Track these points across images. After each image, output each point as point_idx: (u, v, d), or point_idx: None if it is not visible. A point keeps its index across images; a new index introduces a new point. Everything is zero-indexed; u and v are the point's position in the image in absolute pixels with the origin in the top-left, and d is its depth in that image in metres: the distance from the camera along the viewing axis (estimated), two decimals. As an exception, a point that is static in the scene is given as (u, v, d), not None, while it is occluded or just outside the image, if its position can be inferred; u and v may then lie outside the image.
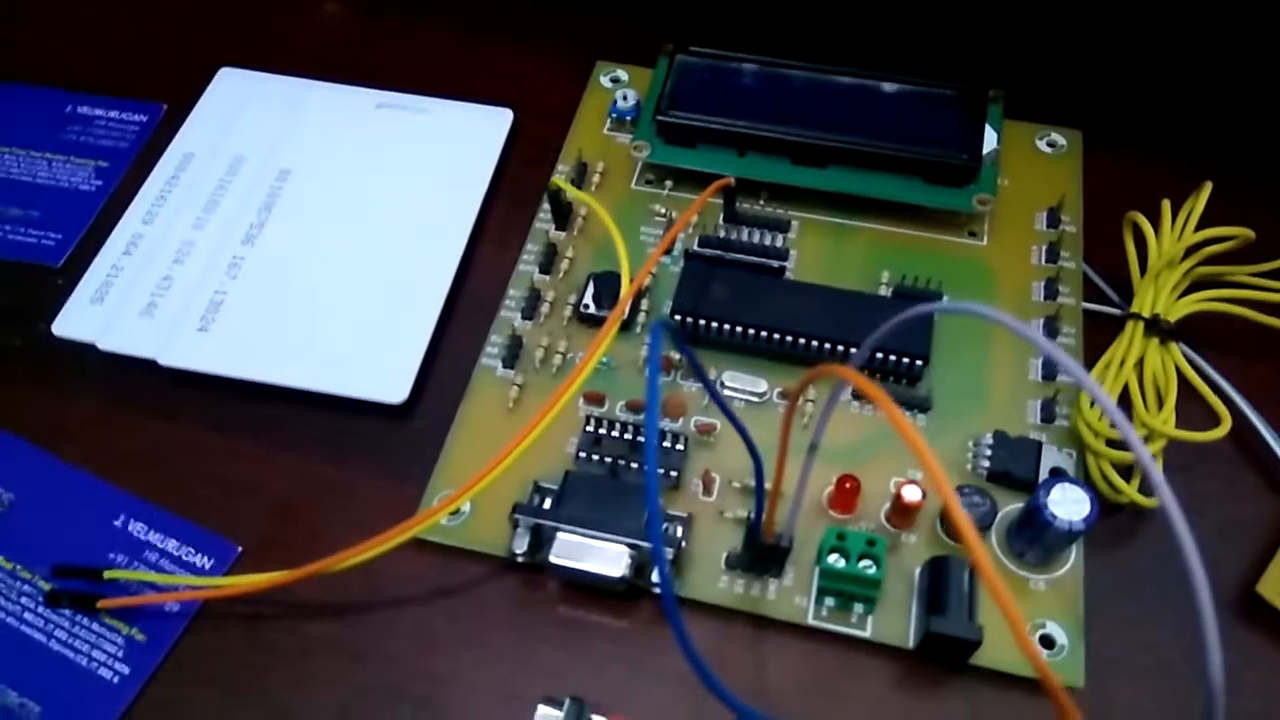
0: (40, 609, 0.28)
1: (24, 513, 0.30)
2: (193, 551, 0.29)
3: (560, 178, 0.34)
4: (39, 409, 0.33)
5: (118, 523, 0.30)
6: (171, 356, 0.32)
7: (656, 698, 0.27)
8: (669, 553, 0.27)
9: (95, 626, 0.28)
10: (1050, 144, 0.37)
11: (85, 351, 0.33)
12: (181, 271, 0.34)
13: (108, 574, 0.28)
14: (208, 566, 0.29)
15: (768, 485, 0.25)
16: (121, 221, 0.36)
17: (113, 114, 0.40)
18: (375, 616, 0.28)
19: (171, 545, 0.30)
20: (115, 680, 0.27)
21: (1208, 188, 0.32)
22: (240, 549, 0.30)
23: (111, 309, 0.34)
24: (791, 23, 0.42)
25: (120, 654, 0.28)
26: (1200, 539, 0.29)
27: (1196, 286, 0.32)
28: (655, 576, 0.27)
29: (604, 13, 0.42)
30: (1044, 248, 0.34)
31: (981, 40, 0.41)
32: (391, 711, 0.27)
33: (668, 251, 0.35)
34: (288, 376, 0.32)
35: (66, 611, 0.28)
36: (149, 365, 0.33)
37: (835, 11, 0.42)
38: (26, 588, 0.29)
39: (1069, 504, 0.26)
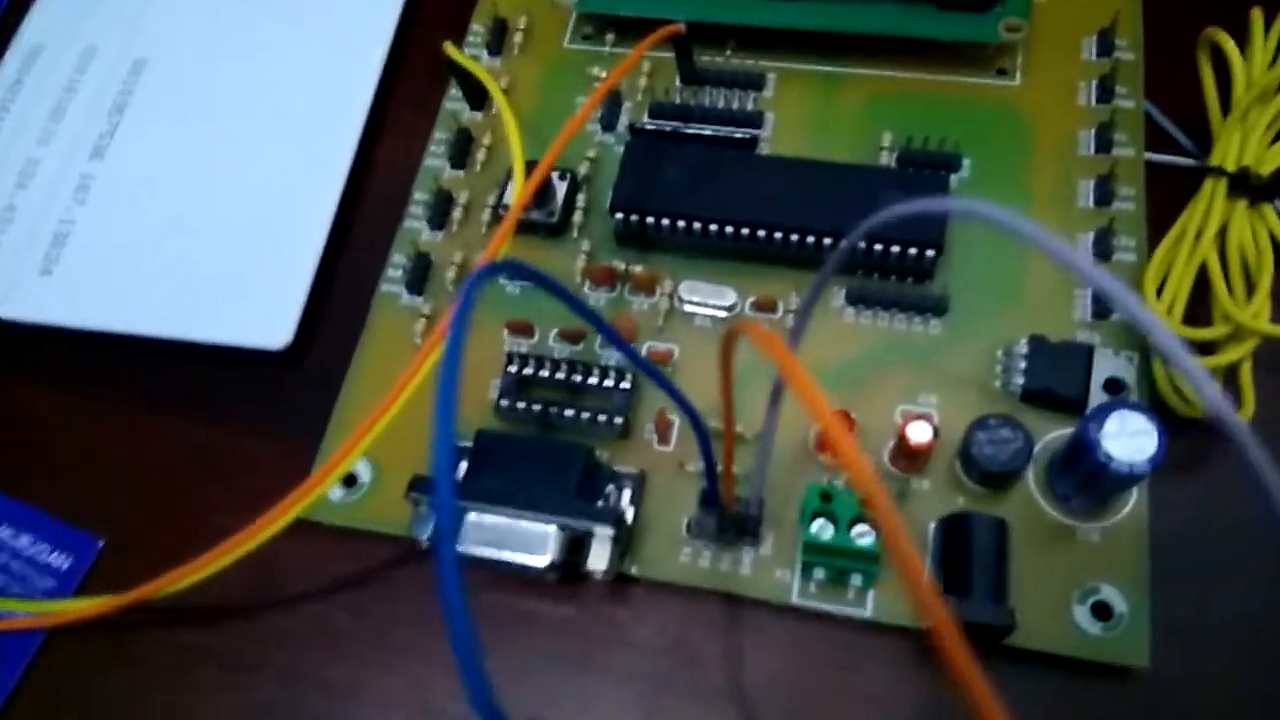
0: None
1: None
2: (47, 549, 0.24)
3: (455, 45, 0.27)
4: None
5: (-42, 518, 0.25)
6: (12, 307, 0.27)
7: (604, 702, 0.22)
8: (608, 531, 0.21)
9: (-63, 647, 0.24)
10: (1100, -57, 0.29)
11: (-82, 306, 0.28)
12: (24, 199, 0.28)
13: (-72, 594, 0.23)
14: (66, 566, 0.24)
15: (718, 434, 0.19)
16: (-44, 142, 0.30)
17: (-55, 7, 0.33)
18: (264, 618, 0.23)
19: (23, 542, 0.25)
20: (-39, 713, 0.23)
21: (1318, -16, 0.23)
22: (102, 542, 0.24)
23: (-54, 252, 0.28)
24: None
25: (-33, 680, 0.23)
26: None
27: None
28: (593, 560, 0.21)
29: None
30: (1094, 84, 0.26)
31: None
32: (286, 736, 0.22)
33: (611, 127, 0.28)
34: (148, 324, 0.26)
35: (-98, 632, 0.24)
36: (-10, 319, 0.27)
37: None
38: None
39: (1128, 437, 0.20)
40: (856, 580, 0.21)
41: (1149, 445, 0.19)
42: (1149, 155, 0.26)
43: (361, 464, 0.24)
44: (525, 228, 0.26)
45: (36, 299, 0.27)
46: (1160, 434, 0.20)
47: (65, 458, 0.26)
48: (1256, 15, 0.24)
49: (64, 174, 0.28)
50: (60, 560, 0.24)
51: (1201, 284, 0.23)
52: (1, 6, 0.33)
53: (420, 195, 0.27)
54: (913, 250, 0.24)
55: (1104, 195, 0.25)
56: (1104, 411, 0.20)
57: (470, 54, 0.29)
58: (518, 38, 0.29)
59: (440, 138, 0.28)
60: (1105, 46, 0.27)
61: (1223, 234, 0.22)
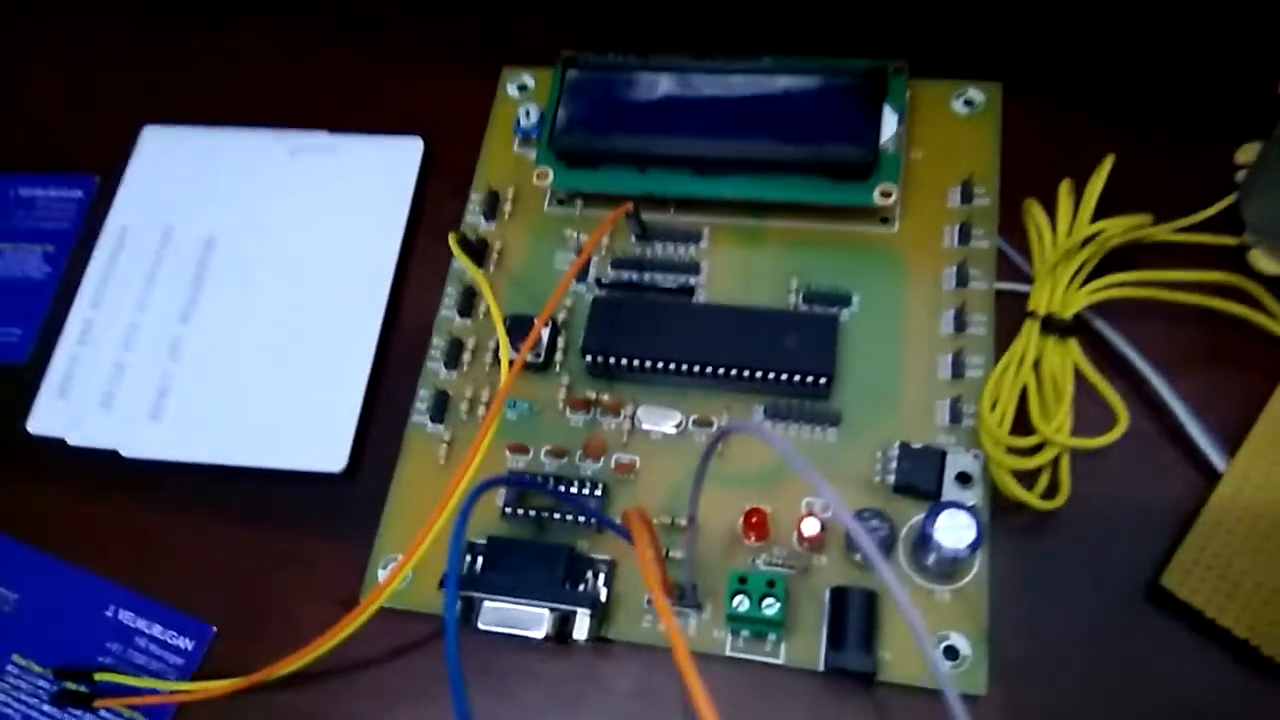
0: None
1: (28, 611, 0.34)
2: (175, 635, 0.33)
3: (456, 237, 0.34)
4: (26, 507, 0.35)
5: (109, 613, 0.33)
6: (131, 448, 0.35)
7: (594, 735, 0.30)
8: (587, 611, 0.29)
9: (103, 714, 0.32)
10: (967, 102, 0.36)
11: (58, 446, 0.36)
12: (131, 358, 0.36)
13: (99, 675, 0.31)
14: (189, 648, 0.32)
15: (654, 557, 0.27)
16: (73, 309, 0.38)
17: (51, 193, 0.41)
18: (341, 681, 0.31)
19: (156, 630, 0.33)
20: (124, 761, 0.31)
21: (1108, 163, 0.31)
22: (215, 629, 0.33)
23: (75, 403, 0.36)
24: (688, 5, 0.41)
25: (125, 737, 0.31)
26: (1114, 530, 0.30)
27: (1113, 258, 0.31)
28: (577, 632, 0.29)
29: (504, 6, 0.42)
30: (957, 227, 0.34)
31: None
32: (362, 769, 0.30)
33: (582, 279, 0.35)
34: (234, 456, 0.34)
35: (74, 704, 0.32)
36: (114, 455, 0.35)
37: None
38: (42, 683, 0.32)
39: (955, 529, 0.27)
40: (772, 636, 0.29)
41: (969, 535, 0.27)
42: (1000, 285, 0.33)
43: (405, 561, 0.32)
44: (521, 366, 0.34)
45: (149, 441, 0.35)
46: (978, 528, 0.27)
47: (179, 563, 0.34)
48: (1064, 187, 0.31)
49: (160, 336, 0.37)
50: (184, 643, 0.32)
51: (1024, 405, 0.30)
52: (89, 195, 0.41)
53: (438, 341, 0.35)
54: (810, 378, 0.31)
55: (960, 323, 0.32)
56: (936, 511, 0.27)
57: (470, 219, 0.37)
58: (508, 205, 0.37)
59: (450, 292, 0.36)
60: (966, 195, 0.34)
61: (1039, 363, 0.30)
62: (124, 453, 0.35)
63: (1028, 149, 0.35)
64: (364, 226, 0.37)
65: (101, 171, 0.41)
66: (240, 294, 0.37)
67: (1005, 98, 0.35)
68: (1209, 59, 0.35)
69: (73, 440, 0.35)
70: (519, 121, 0.37)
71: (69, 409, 0.36)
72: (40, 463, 0.36)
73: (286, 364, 0.35)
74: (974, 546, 0.27)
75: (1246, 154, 0.32)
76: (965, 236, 0.33)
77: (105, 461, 0.35)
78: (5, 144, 0.43)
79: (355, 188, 0.38)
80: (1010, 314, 0.32)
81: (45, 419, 0.36)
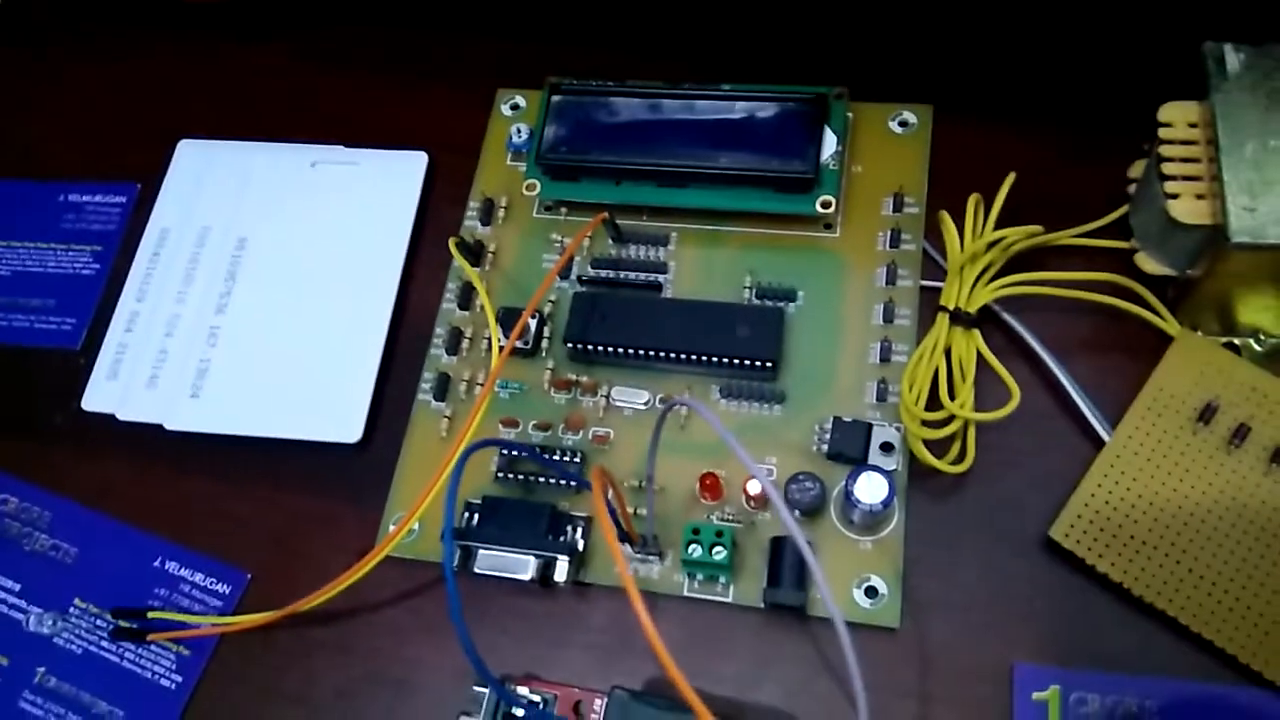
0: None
1: (86, 562, 0.39)
2: (215, 581, 0.38)
3: (455, 241, 0.40)
4: (82, 473, 0.41)
5: (156, 564, 0.39)
6: (174, 422, 0.40)
7: (573, 663, 0.35)
8: (565, 559, 0.34)
9: (154, 648, 0.37)
10: (902, 123, 0.41)
11: (109, 421, 0.41)
12: (172, 344, 0.42)
13: (151, 614, 0.36)
14: (227, 592, 0.38)
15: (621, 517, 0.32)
16: (120, 302, 0.43)
17: (97, 198, 0.46)
18: (359, 619, 0.37)
19: (198, 578, 0.38)
20: (173, 687, 0.36)
21: (1009, 181, 0.36)
22: (249, 575, 0.38)
23: (124, 383, 0.41)
24: (663, 35, 0.46)
25: (174, 667, 0.37)
26: (1013, 490, 0.35)
27: (1021, 259, 0.37)
28: (558, 576, 0.34)
29: (500, 34, 0.47)
30: (889, 233, 0.39)
31: (838, 22, 0.44)
32: (377, 692, 0.36)
33: (565, 276, 0.41)
34: (264, 428, 0.39)
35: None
36: (158, 428, 0.40)
37: (702, 27, 0.46)
38: (100, 622, 0.38)
39: (871, 488, 0.32)
40: (722, 579, 0.35)
41: (881, 493, 0.32)
42: (924, 282, 0.38)
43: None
44: (510, 352, 0.39)
45: (190, 416, 0.40)
46: (890, 487, 0.32)
47: (216, 521, 0.39)
48: (972, 200, 0.36)
49: (198, 325, 0.42)
50: (223, 588, 0.38)
51: (936, 386, 0.35)
52: (132, 200, 0.46)
53: (440, 330, 0.40)
54: (759, 362, 0.36)
55: (889, 315, 0.37)
56: (856, 473, 0.33)
57: (468, 224, 0.42)
58: (501, 212, 0.42)
59: (451, 288, 0.41)
60: (898, 204, 0.39)
61: (949, 351, 0.35)
62: (167, 426, 0.40)
63: (954, 163, 0.40)
64: (376, 229, 0.43)
65: (143, 180, 0.47)
66: (268, 288, 0.42)
67: (935, 118, 0.41)
68: (1109, 87, 0.41)
69: (122, 416, 0.41)
70: (511, 138, 0.43)
71: (118, 389, 0.41)
72: (94, 436, 0.41)
73: (309, 349, 0.41)
74: (886, 503, 0.32)
75: (1136, 170, 0.38)
76: (895, 241, 0.39)
77: (151, 434, 0.40)
78: (57, 155, 0.48)
79: (368, 195, 0.43)
80: (933, 307, 0.37)
81: (98, 398, 0.41)
